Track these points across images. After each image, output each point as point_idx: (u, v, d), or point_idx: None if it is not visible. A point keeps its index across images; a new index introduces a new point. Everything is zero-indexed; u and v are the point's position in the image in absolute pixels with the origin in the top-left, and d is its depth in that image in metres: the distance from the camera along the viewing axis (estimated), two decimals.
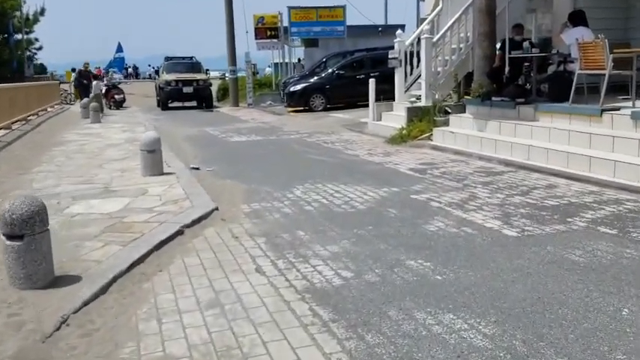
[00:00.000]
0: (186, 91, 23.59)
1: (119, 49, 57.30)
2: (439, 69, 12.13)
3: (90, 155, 10.02)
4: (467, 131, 9.89)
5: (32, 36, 35.62)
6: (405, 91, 12.92)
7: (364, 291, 3.70)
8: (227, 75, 26.06)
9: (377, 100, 13.35)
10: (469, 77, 12.07)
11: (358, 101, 18.26)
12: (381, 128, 12.57)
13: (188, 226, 5.23)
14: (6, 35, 30.67)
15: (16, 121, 15.73)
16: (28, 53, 35.56)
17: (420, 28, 12.79)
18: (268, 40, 25.79)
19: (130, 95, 30.58)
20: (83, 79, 24.84)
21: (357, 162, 9.09)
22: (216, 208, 5.89)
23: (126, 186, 7.06)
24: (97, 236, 4.92)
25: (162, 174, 7.66)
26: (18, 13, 31.31)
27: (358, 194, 6.59)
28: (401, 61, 12.70)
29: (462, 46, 12.16)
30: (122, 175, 7.86)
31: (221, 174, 8.22)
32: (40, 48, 37.81)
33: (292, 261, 4.33)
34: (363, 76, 18.67)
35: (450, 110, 11.19)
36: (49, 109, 22.50)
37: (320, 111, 18.87)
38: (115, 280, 3.94)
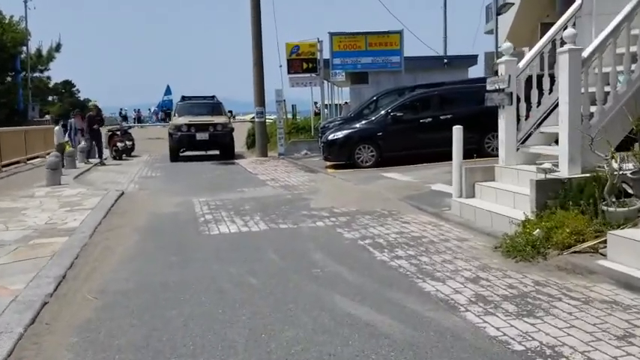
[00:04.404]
0: (201, 137, 18.74)
1: (168, 91, 54.52)
2: (591, 109, 6.57)
3: None
4: None
5: (47, 74, 31.97)
6: (518, 149, 7.41)
7: None
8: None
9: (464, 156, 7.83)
10: None
11: (422, 154, 13.00)
12: (477, 213, 6.99)
13: None
14: (12, 74, 26.88)
15: None
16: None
17: (547, 36, 7.31)
18: (307, 75, 20.62)
19: (157, 140, 26.10)
20: (92, 124, 18.95)
21: (467, 349, 3.54)
22: None
23: None
24: None
25: None
26: (24, 49, 27.57)
27: None
28: (511, 94, 7.25)
29: (634, 67, 6.59)
30: None
31: None
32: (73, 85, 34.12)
33: None
34: (429, 119, 13.65)
35: (631, 189, 5.57)
36: (32, 162, 17.90)
37: (368, 167, 13.55)
38: None
